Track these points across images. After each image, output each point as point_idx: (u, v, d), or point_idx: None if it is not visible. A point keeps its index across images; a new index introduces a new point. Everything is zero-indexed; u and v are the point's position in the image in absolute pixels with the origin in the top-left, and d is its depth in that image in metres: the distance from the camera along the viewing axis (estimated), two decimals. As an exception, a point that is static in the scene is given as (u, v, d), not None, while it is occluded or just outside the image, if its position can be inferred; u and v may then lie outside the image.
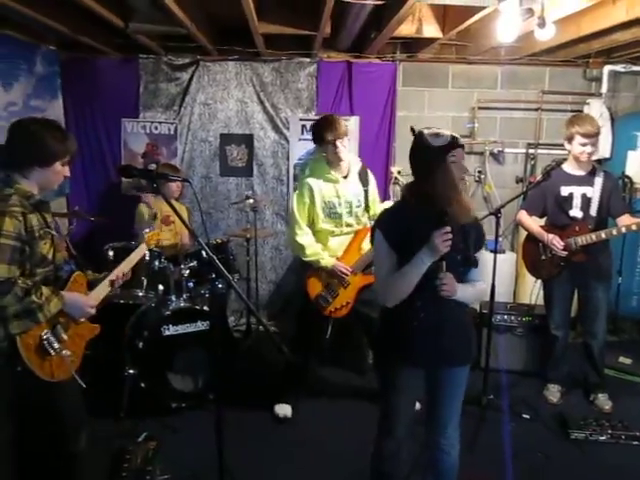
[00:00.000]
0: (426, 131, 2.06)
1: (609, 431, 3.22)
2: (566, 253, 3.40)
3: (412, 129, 2.11)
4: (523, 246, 3.79)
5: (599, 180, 3.37)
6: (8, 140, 2.11)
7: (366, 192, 3.33)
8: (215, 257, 2.10)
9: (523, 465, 2.86)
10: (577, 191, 3.41)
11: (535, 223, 3.61)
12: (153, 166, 4.82)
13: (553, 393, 3.71)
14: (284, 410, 3.46)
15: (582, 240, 3.34)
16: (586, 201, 3.39)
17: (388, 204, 3.24)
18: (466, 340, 2.26)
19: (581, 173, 3.43)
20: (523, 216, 3.64)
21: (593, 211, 3.37)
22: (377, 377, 2.44)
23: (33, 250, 2.03)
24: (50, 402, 2.17)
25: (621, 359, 4.13)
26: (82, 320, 2.23)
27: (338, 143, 3.11)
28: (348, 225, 3.29)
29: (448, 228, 1.99)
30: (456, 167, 2.04)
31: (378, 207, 3.37)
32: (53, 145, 2.09)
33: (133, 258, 2.56)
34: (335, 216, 3.25)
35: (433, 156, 2.03)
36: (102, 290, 2.33)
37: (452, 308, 2.14)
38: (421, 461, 2.53)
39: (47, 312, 2.02)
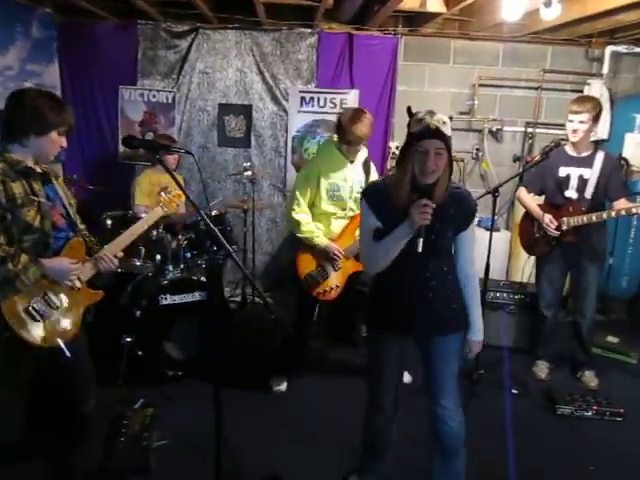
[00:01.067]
0: (419, 114, 2.01)
1: (594, 407, 3.31)
2: (558, 233, 3.44)
3: (409, 109, 2.06)
4: (520, 223, 3.82)
5: (598, 162, 3.39)
6: (6, 109, 2.11)
7: (367, 180, 3.34)
8: (216, 229, 2.11)
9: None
10: (574, 172, 3.44)
11: (533, 201, 3.66)
12: (151, 135, 4.80)
13: (542, 369, 3.80)
14: (280, 383, 3.51)
15: (573, 221, 3.39)
16: (582, 182, 3.42)
17: None
18: (455, 308, 2.25)
19: (581, 154, 3.45)
20: (522, 193, 3.69)
21: (588, 193, 3.40)
22: (367, 352, 2.49)
23: (15, 217, 2.04)
24: (54, 367, 2.20)
25: (609, 338, 4.22)
26: (79, 286, 2.25)
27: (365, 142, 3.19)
28: (350, 209, 3.31)
29: (426, 201, 1.98)
30: (420, 159, 2.00)
31: None
32: (49, 114, 2.09)
33: (147, 220, 2.56)
34: (338, 198, 3.25)
35: (407, 140, 2.04)
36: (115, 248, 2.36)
37: (438, 277, 2.17)
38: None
39: (26, 280, 2.04)
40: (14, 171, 2.07)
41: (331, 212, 3.27)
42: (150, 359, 3.44)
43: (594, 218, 3.33)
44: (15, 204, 2.03)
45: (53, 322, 2.16)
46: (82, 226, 2.39)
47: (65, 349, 2.17)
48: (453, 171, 2.12)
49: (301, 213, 3.23)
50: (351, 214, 3.31)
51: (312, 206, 3.27)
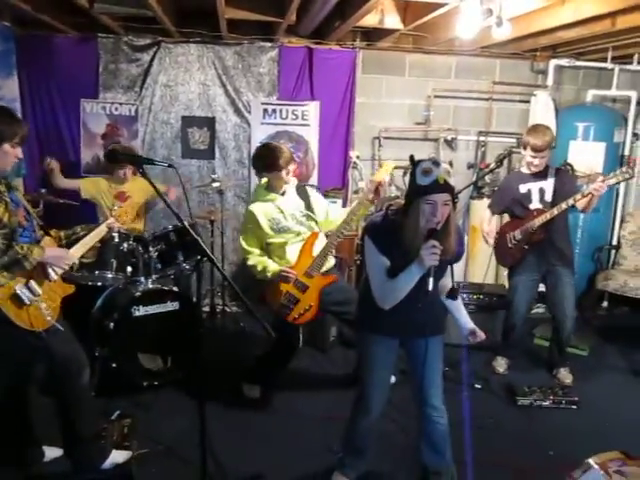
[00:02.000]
0: (424, 164, 2.09)
1: (551, 397, 3.54)
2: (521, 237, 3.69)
3: (411, 158, 2.16)
4: (495, 242, 3.95)
5: (552, 173, 3.64)
6: None
7: (307, 202, 3.41)
8: (199, 238, 2.20)
9: (475, 430, 3.12)
10: (534, 186, 3.67)
11: (487, 224, 3.96)
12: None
13: (501, 364, 4.03)
14: (252, 391, 3.58)
15: (539, 221, 3.58)
16: (544, 194, 3.65)
17: (346, 209, 3.46)
18: (442, 313, 2.46)
19: (535, 171, 3.67)
20: (486, 215, 3.96)
21: (549, 198, 3.62)
22: (357, 357, 2.65)
23: None
24: (47, 348, 2.43)
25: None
26: (55, 277, 2.46)
27: (290, 167, 3.30)
28: (298, 234, 3.36)
29: (435, 242, 2.11)
30: (428, 211, 2.10)
31: (333, 212, 3.50)
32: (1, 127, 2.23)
33: (98, 233, 2.79)
34: (284, 229, 3.32)
35: (414, 189, 2.13)
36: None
37: (429, 297, 2.23)
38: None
39: (32, 260, 2.28)
40: None
41: (283, 242, 3.34)
42: (124, 370, 3.46)
43: (555, 211, 3.53)
44: None
45: (36, 307, 2.36)
46: (41, 232, 2.57)
47: (58, 325, 2.45)
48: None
49: (252, 258, 3.33)
50: (300, 238, 3.35)
51: (266, 245, 3.36)
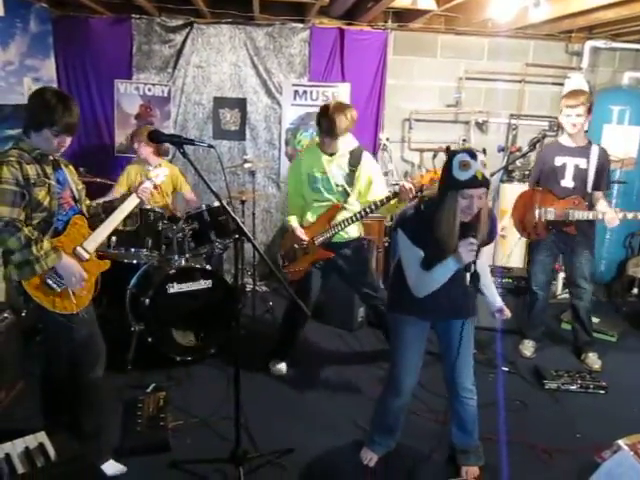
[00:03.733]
0: (461, 157, 2.08)
1: (579, 381, 3.55)
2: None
3: (447, 149, 2.19)
4: (516, 208, 3.92)
5: (594, 154, 3.56)
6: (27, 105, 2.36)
7: (352, 172, 3.33)
8: (238, 219, 2.26)
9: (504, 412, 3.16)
10: (570, 162, 3.61)
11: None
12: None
13: (528, 348, 4.03)
14: (279, 367, 3.66)
15: (578, 215, 3.56)
16: (578, 172, 3.60)
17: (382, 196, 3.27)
18: (470, 297, 2.41)
19: (575, 145, 3.63)
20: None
21: (589, 187, 3.58)
22: (390, 338, 2.69)
23: (30, 196, 2.24)
24: (69, 333, 2.42)
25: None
26: (86, 257, 2.46)
27: (348, 133, 3.27)
28: (323, 200, 3.40)
29: (473, 240, 2.13)
30: (464, 205, 2.12)
31: (374, 192, 3.34)
32: (40, 112, 2.26)
33: (123, 209, 2.68)
34: (316, 190, 3.39)
35: (450, 183, 2.12)
36: (100, 235, 2.54)
37: (462, 284, 2.27)
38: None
39: (44, 265, 2.26)
40: (30, 156, 2.28)
41: (310, 201, 3.45)
42: (159, 345, 3.56)
43: (600, 216, 3.51)
44: (29, 183, 2.24)
45: (68, 291, 2.37)
46: (87, 202, 2.64)
47: (82, 313, 2.45)
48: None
49: (291, 199, 3.59)
50: (329, 204, 3.39)
51: (298, 193, 3.50)
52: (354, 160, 3.35)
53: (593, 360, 3.90)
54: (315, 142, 3.42)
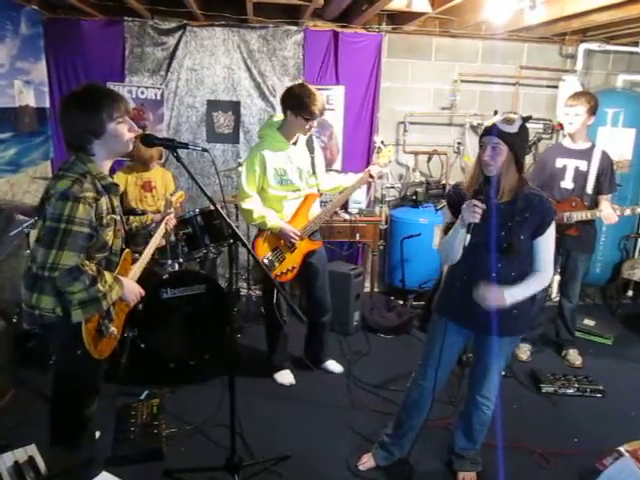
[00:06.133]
0: (503, 114, 2.20)
1: (576, 385, 3.54)
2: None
3: (495, 113, 2.30)
4: None
5: (597, 157, 3.54)
6: (62, 122, 2.06)
7: (312, 158, 3.35)
8: (232, 223, 2.22)
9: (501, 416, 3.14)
10: (571, 164, 3.60)
11: None
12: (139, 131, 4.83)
13: (524, 351, 4.02)
14: (286, 377, 3.60)
15: (577, 216, 3.54)
16: (579, 174, 3.58)
17: (333, 174, 3.51)
18: (516, 314, 2.31)
19: (577, 147, 3.62)
20: None
21: (589, 188, 3.55)
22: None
23: (98, 236, 2.04)
24: (83, 373, 2.23)
25: (586, 321, 4.47)
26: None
27: (315, 122, 3.16)
28: (297, 189, 3.31)
29: (476, 202, 2.15)
30: (484, 155, 2.18)
31: (326, 183, 3.50)
32: (92, 112, 2.00)
33: (155, 241, 2.62)
34: (287, 182, 3.25)
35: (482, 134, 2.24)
36: (138, 270, 2.43)
37: (505, 281, 2.26)
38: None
39: (110, 300, 2.05)
40: (102, 185, 2.05)
41: (282, 196, 3.28)
42: (153, 351, 3.52)
43: (598, 214, 3.50)
44: (101, 223, 2.03)
45: (110, 335, 2.20)
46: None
47: None
48: (524, 170, 2.24)
49: (250, 202, 3.23)
50: (299, 194, 3.33)
51: (262, 191, 3.26)
52: (310, 146, 3.36)
53: (574, 357, 3.92)
54: (273, 131, 3.21)
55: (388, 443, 2.73)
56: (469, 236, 2.17)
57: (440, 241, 2.46)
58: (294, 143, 3.26)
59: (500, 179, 2.20)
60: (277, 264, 3.32)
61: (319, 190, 3.45)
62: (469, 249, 2.22)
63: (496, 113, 2.29)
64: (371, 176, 3.38)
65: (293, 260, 3.36)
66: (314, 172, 3.38)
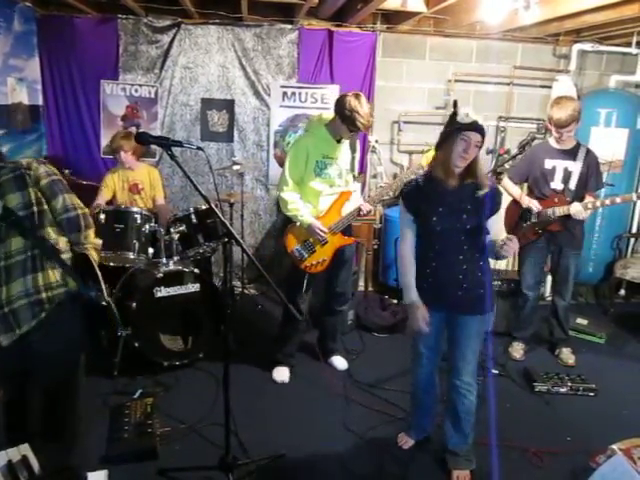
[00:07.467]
0: (462, 109, 2.33)
1: (569, 384, 3.55)
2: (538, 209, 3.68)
3: (455, 103, 2.39)
4: (506, 214, 3.93)
5: (581, 155, 3.60)
6: None
7: (353, 159, 3.47)
8: (227, 222, 2.22)
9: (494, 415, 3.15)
10: (560, 165, 3.65)
11: (517, 189, 3.89)
12: (133, 129, 4.82)
13: (517, 350, 4.03)
14: (282, 374, 3.61)
15: (559, 211, 3.61)
16: (567, 174, 3.64)
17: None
18: (482, 293, 2.49)
19: (565, 147, 3.66)
20: (508, 183, 3.90)
21: (572, 185, 3.62)
22: None
23: None
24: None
25: (579, 320, 4.49)
26: None
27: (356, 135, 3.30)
28: (333, 185, 3.37)
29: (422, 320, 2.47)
30: (461, 148, 2.31)
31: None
32: None
33: None
34: (325, 176, 3.32)
35: (452, 128, 2.33)
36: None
37: (470, 262, 2.46)
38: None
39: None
40: None
41: (319, 190, 3.34)
42: (146, 350, 3.51)
43: (572, 210, 3.55)
44: None
45: None
46: None
47: None
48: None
49: (289, 192, 3.28)
50: (336, 190, 3.39)
51: (301, 182, 3.32)
52: (353, 146, 3.45)
53: (567, 355, 3.95)
54: (320, 126, 3.29)
55: (416, 423, 2.91)
56: None
57: (400, 250, 2.59)
58: (338, 141, 3.32)
59: (474, 167, 2.40)
60: (307, 255, 3.38)
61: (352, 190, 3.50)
62: (436, 236, 2.44)
63: (455, 104, 2.33)
64: (359, 214, 3.40)
65: (324, 253, 3.40)
66: (352, 170, 3.49)
